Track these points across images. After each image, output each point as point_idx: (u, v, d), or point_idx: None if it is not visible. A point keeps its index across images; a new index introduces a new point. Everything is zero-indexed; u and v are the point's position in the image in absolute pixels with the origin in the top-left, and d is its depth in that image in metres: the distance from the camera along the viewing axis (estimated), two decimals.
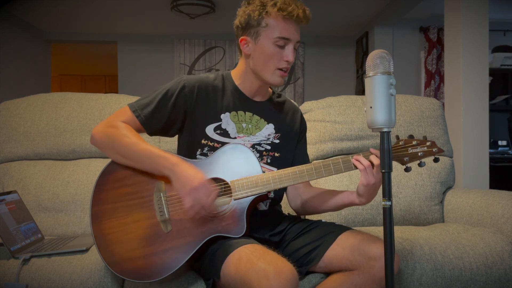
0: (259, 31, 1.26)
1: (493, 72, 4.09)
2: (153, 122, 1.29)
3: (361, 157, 1.18)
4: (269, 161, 1.36)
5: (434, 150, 1.21)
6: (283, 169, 1.24)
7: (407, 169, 1.20)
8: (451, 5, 3.13)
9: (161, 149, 1.20)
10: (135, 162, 1.21)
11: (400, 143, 1.21)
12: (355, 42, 5.53)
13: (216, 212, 1.19)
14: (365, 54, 5.13)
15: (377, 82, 0.98)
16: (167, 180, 1.21)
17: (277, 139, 1.38)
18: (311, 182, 1.72)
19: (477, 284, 1.37)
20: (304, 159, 1.46)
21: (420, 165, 1.20)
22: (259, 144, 1.35)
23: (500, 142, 4.24)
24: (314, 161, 1.25)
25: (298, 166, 1.23)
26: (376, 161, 1.16)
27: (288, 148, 1.41)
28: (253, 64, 1.30)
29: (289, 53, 1.27)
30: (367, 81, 1.00)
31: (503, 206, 1.58)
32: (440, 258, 1.37)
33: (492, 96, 4.03)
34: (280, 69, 1.29)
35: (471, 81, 2.99)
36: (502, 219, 1.56)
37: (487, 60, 3.02)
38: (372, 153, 1.18)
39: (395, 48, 4.98)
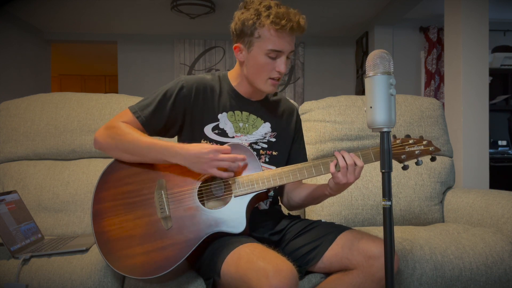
0: (252, 41, 1.26)
1: (493, 72, 4.09)
2: (153, 122, 1.30)
3: (341, 160, 1.19)
4: (267, 160, 1.37)
5: (430, 149, 1.24)
6: (282, 167, 1.25)
7: (405, 167, 1.22)
8: (451, 5, 3.13)
9: (162, 140, 1.23)
10: (141, 156, 1.23)
11: (397, 142, 1.24)
12: (355, 42, 5.53)
13: (241, 159, 1.21)
14: (365, 54, 5.13)
15: (377, 82, 0.98)
16: (168, 178, 1.23)
17: (273, 137, 1.39)
18: (310, 180, 1.72)
19: (477, 284, 1.37)
20: (301, 156, 1.47)
21: (417, 163, 1.23)
22: (256, 143, 1.37)
23: (500, 142, 4.24)
24: (313, 160, 1.26)
25: (297, 164, 1.24)
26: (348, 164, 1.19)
27: (285, 147, 1.43)
28: (246, 72, 1.32)
29: (281, 64, 1.26)
30: (367, 81, 1.00)
31: (503, 206, 1.58)
32: (440, 258, 1.38)
33: (492, 96, 4.03)
34: (272, 78, 1.29)
35: (471, 81, 2.99)
36: (502, 219, 1.56)
37: (487, 60, 3.02)
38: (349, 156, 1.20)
39: (395, 48, 4.98)
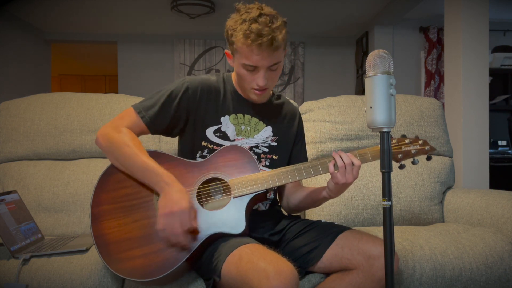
0: (233, 51, 1.26)
1: (493, 72, 4.09)
2: (157, 123, 1.30)
3: (339, 160, 1.18)
4: (267, 163, 1.37)
5: (426, 148, 1.26)
6: (281, 168, 1.25)
7: (401, 167, 1.23)
8: (451, 5, 3.13)
9: (158, 165, 1.20)
10: (131, 172, 1.23)
11: (394, 142, 1.25)
12: (355, 42, 5.53)
13: (184, 244, 1.15)
14: (365, 54, 5.13)
15: (377, 82, 0.98)
16: None
17: (274, 141, 1.39)
18: (310, 181, 1.72)
19: (477, 284, 1.37)
20: (301, 159, 1.47)
21: (413, 163, 1.25)
22: (257, 147, 1.36)
23: (500, 142, 4.24)
24: (312, 160, 1.26)
25: (295, 165, 1.25)
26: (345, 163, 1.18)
27: (286, 151, 1.42)
28: (235, 77, 1.33)
29: (258, 78, 1.24)
30: (367, 81, 1.00)
31: (503, 206, 1.58)
32: (440, 258, 1.38)
33: (492, 96, 4.03)
34: (255, 89, 1.28)
35: (471, 81, 2.99)
36: (502, 219, 1.56)
37: (487, 60, 3.02)
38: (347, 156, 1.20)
39: (395, 48, 4.98)
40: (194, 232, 1.16)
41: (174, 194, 1.14)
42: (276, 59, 1.22)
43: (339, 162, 1.18)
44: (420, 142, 1.26)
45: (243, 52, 1.21)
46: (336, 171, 1.19)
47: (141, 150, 1.22)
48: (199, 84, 1.33)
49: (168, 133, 1.35)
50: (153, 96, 1.32)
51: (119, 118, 1.29)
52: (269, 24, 1.17)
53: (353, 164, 1.18)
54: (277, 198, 1.47)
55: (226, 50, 1.31)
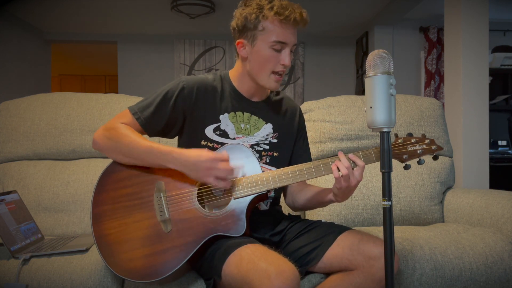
0: (255, 35, 1.26)
1: (493, 72, 4.10)
2: (153, 124, 1.29)
3: (340, 165, 1.17)
4: (268, 160, 1.37)
5: (433, 147, 1.22)
6: (283, 168, 1.24)
7: (406, 167, 1.20)
8: (451, 5, 3.13)
9: (161, 144, 1.21)
10: (139, 160, 1.22)
11: (399, 141, 1.22)
12: (355, 42, 5.53)
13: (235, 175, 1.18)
14: (365, 54, 5.13)
15: (377, 82, 0.98)
16: (167, 180, 1.23)
17: (275, 138, 1.39)
18: (310, 181, 1.72)
19: (477, 284, 1.37)
20: (304, 156, 1.46)
21: (419, 162, 1.21)
22: (257, 144, 1.36)
23: (500, 142, 4.24)
24: (314, 160, 1.25)
25: (297, 165, 1.24)
26: (347, 169, 1.16)
27: (286, 147, 1.42)
28: (249, 67, 1.31)
29: (285, 56, 1.27)
30: (367, 81, 1.00)
31: (503, 206, 1.58)
32: (440, 258, 1.38)
33: (492, 96, 4.03)
34: (276, 73, 1.29)
35: (471, 81, 2.99)
36: (502, 219, 1.56)
37: (487, 60, 3.02)
38: (349, 158, 1.18)
39: (395, 48, 4.98)
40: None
41: (190, 157, 1.15)
42: (296, 39, 1.28)
43: (336, 174, 1.16)
44: (426, 141, 1.22)
45: (273, 29, 1.24)
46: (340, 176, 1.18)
47: (140, 136, 1.24)
48: (195, 84, 1.32)
49: (165, 134, 1.35)
50: (149, 97, 1.31)
51: (114, 119, 1.29)
52: (292, 3, 1.26)
53: (356, 165, 1.17)
54: (280, 196, 1.47)
55: (239, 40, 1.30)
